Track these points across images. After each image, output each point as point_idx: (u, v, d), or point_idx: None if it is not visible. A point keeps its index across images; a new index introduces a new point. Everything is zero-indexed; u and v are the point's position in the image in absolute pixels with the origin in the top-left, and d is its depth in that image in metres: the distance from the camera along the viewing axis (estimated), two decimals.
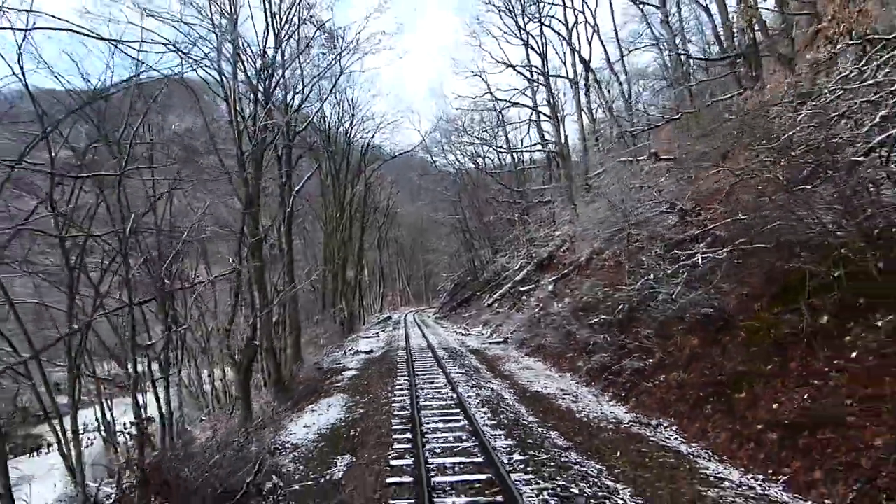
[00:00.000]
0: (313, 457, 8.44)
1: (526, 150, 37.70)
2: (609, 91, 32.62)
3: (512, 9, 35.27)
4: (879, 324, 7.52)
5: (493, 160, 42.89)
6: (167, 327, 14.93)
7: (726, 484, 6.44)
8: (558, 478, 6.37)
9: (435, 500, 5.77)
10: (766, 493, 6.19)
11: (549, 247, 26.74)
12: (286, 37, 20.22)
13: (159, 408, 12.33)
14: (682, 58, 25.93)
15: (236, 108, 17.40)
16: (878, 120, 7.13)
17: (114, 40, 9.97)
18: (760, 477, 6.76)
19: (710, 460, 7.46)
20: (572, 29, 33.28)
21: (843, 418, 6.67)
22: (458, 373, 14.33)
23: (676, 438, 8.52)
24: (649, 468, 6.99)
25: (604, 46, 33.51)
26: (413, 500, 5.84)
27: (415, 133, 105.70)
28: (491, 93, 35.85)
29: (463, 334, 26.31)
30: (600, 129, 32.47)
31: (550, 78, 34.61)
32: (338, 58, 24.27)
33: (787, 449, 6.99)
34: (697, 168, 14.46)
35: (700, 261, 11.90)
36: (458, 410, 9.88)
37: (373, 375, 15.58)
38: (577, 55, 33.31)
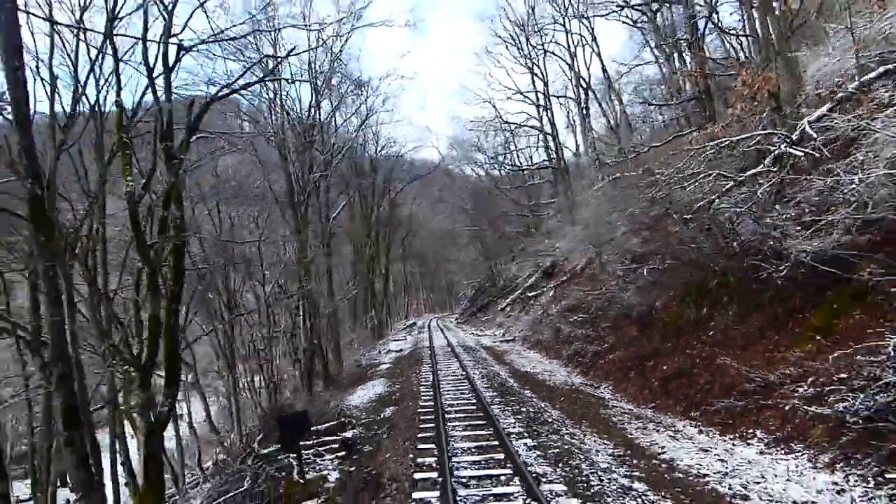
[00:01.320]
0: (370, 409, 13.51)
1: (534, 168, 42.57)
2: (619, 101, 36.78)
3: (516, 38, 40.35)
4: (730, 312, 12.29)
5: (507, 173, 47.83)
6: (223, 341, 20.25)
7: (618, 409, 11.29)
8: (518, 407, 11.33)
9: (446, 416, 10.73)
10: (636, 412, 11.04)
11: (552, 257, 31.56)
12: (325, 92, 25.57)
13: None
14: (677, 70, 30.33)
15: (286, 156, 22.67)
16: (706, 189, 11.93)
17: (218, 133, 15.26)
18: (643, 406, 11.60)
19: (619, 401, 12.32)
20: (574, 53, 38.13)
21: (691, 371, 11.49)
22: (469, 361, 19.31)
23: (607, 392, 13.40)
24: (578, 404, 11.88)
25: (604, 67, 38.12)
26: (433, 417, 10.79)
27: (433, 149, 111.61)
28: (500, 117, 40.87)
29: (479, 335, 31.28)
30: (600, 145, 37.04)
31: (555, 99, 39.54)
32: (365, 101, 29.55)
33: (661, 391, 11.82)
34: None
35: (645, 272, 16.66)
36: (465, 382, 14.84)
37: (404, 366, 20.68)
38: (578, 78, 38.21)
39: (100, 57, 13.46)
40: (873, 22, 11.76)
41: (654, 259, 16.35)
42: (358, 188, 36.58)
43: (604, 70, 35.09)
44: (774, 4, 15.98)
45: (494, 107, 40.85)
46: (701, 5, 23.04)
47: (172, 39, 11.13)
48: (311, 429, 10.28)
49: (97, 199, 14.02)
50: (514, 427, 9.64)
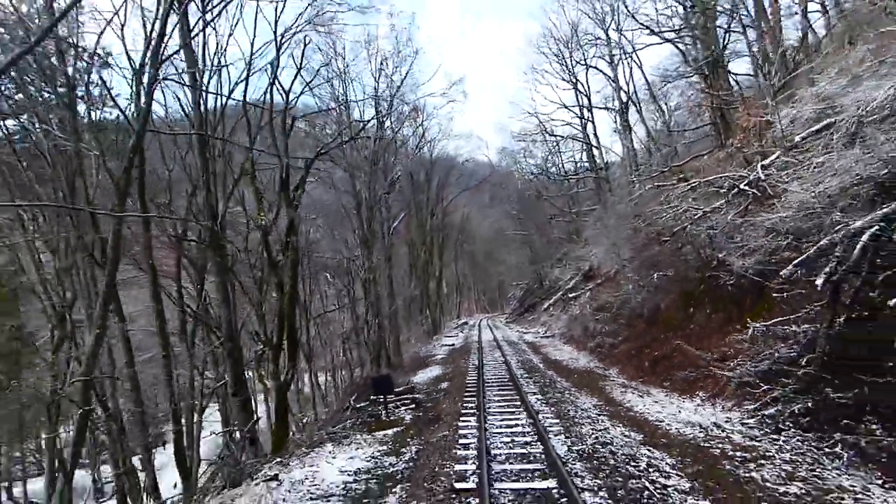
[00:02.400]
0: (429, 383, 18.20)
1: (577, 177, 46.47)
2: (661, 111, 40.23)
3: (560, 55, 44.34)
4: (707, 311, 16.32)
5: (552, 181, 51.86)
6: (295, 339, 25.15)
7: (614, 382, 15.55)
8: (539, 379, 15.78)
9: (485, 388, 15.23)
10: (627, 384, 15.26)
11: (590, 262, 35.54)
12: (387, 120, 30.55)
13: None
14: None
15: (355, 180, 27.63)
16: (683, 217, 15.96)
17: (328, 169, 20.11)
18: (634, 381, 15.77)
19: (618, 378, 16.53)
20: (616, 66, 41.86)
21: (672, 355, 15.61)
22: (510, 352, 23.79)
23: (613, 372, 17.59)
24: (585, 379, 16.20)
25: (646, 79, 41.63)
26: (476, 385, 15.31)
27: (484, 152, 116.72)
28: (546, 130, 45.02)
29: (524, 333, 35.62)
30: (641, 155, 40.63)
31: (597, 111, 43.35)
32: (422, 124, 34.42)
33: (650, 370, 15.96)
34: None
35: (655, 278, 20.69)
36: (504, 365, 19.33)
37: (455, 356, 25.36)
38: (619, 90, 41.93)
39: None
40: (829, 83, 15.54)
41: (657, 268, 20.39)
42: (415, 202, 41.56)
43: (646, 81, 38.87)
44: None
45: (540, 121, 44.97)
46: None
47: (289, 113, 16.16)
48: (392, 392, 15.03)
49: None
50: (532, 390, 14.14)
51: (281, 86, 16.19)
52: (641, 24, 32.34)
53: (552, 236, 48.06)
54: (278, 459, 10.65)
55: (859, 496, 6.52)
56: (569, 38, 43.75)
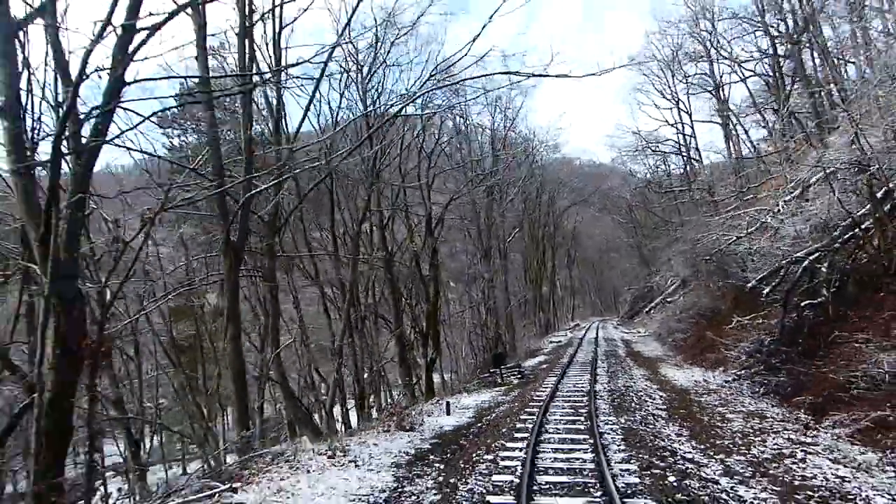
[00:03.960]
0: (536, 367, 25.29)
1: (680, 190, 51.13)
2: (765, 121, 44.22)
3: (663, 75, 49.33)
4: (745, 311, 22.12)
5: (656, 192, 56.66)
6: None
7: (668, 363, 21.80)
8: (612, 361, 22.41)
9: (572, 366, 22.07)
10: (677, 364, 21.46)
11: (684, 270, 40.68)
12: (501, 152, 37.94)
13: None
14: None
15: (477, 207, 35.18)
16: (721, 242, 21.70)
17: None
18: (684, 363, 21.86)
19: (674, 361, 22.67)
20: (719, 82, 46.23)
21: (712, 343, 21.58)
22: (603, 346, 30.29)
23: (674, 358, 23.66)
24: (650, 361, 22.54)
25: (750, 93, 45.64)
26: (566, 364, 22.17)
27: (594, 161, 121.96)
28: (649, 146, 50.29)
29: (625, 333, 41.48)
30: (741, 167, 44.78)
31: (698, 125, 47.87)
32: (532, 151, 41.51)
33: (698, 354, 21.99)
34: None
35: (721, 284, 26.37)
36: (593, 354, 25.96)
37: (559, 349, 32.23)
38: (722, 104, 46.31)
39: None
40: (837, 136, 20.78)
41: (718, 278, 26.03)
42: (527, 216, 48.71)
43: (750, 94, 43.13)
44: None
45: (643, 138, 50.30)
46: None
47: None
48: (504, 365, 22.36)
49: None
50: (603, 367, 20.87)
51: (425, 151, 24.05)
52: (726, 58, 37.19)
53: (658, 244, 53.02)
54: (435, 397, 18.36)
55: (747, 405, 12.91)
56: (670, 59, 48.65)
